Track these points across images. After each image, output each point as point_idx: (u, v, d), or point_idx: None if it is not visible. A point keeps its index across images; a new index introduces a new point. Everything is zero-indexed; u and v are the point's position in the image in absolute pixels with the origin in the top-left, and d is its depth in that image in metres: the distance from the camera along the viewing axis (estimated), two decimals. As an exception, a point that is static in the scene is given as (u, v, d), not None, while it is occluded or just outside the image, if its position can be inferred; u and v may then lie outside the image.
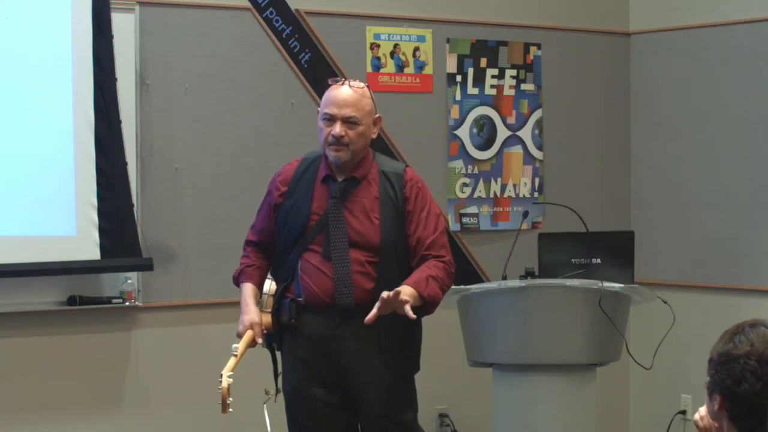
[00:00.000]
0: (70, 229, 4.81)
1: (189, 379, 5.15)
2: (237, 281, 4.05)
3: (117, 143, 4.88)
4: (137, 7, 5.01)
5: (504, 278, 4.70)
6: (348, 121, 3.85)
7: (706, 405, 2.36)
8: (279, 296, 3.94)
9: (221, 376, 3.75)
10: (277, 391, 4.07)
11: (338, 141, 3.83)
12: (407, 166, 4.06)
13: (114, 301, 4.96)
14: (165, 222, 5.08)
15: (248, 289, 3.98)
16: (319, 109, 3.95)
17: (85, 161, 4.82)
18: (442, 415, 5.74)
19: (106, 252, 4.83)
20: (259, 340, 3.90)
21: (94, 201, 4.83)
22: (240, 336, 3.90)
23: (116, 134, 4.88)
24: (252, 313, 3.91)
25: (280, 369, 4.03)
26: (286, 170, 4.02)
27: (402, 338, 3.95)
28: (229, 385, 3.72)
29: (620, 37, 6.22)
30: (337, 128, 3.84)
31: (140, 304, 5.02)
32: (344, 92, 3.87)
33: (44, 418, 4.89)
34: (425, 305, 3.83)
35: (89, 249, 4.82)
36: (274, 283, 4.01)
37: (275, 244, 4.01)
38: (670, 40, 6.05)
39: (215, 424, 5.22)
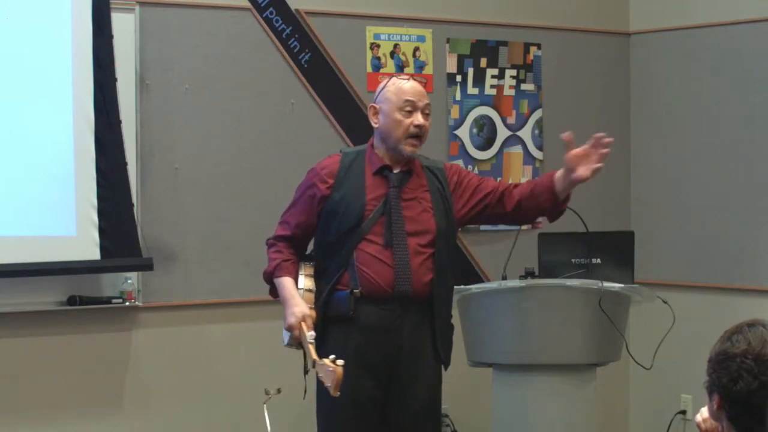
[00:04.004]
0: (70, 229, 4.81)
1: (189, 379, 5.15)
2: (271, 276, 4.02)
3: (117, 143, 4.88)
4: (137, 7, 5.01)
5: (504, 278, 4.70)
6: (424, 113, 3.97)
7: (707, 405, 2.36)
8: (330, 289, 3.93)
9: (321, 361, 3.65)
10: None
11: (420, 131, 3.95)
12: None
13: (114, 301, 4.96)
14: (165, 222, 5.08)
15: (290, 282, 3.97)
16: (376, 104, 4.00)
17: (85, 161, 4.82)
18: (443, 415, 5.74)
19: (106, 252, 4.83)
20: (312, 333, 3.85)
21: (94, 201, 4.83)
22: (292, 329, 3.88)
23: (116, 134, 4.88)
24: (302, 305, 3.90)
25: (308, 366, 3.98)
26: (329, 163, 4.04)
27: (448, 332, 4.04)
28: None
29: (620, 37, 6.23)
30: (421, 118, 3.96)
31: (140, 304, 5.03)
32: (416, 85, 4.01)
33: (44, 418, 4.89)
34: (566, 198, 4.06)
35: (89, 249, 4.82)
36: (309, 279, 4.00)
37: (308, 238, 4.04)
38: (670, 40, 6.05)
39: (215, 423, 5.22)
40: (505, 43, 5.89)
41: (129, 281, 4.98)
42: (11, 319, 4.79)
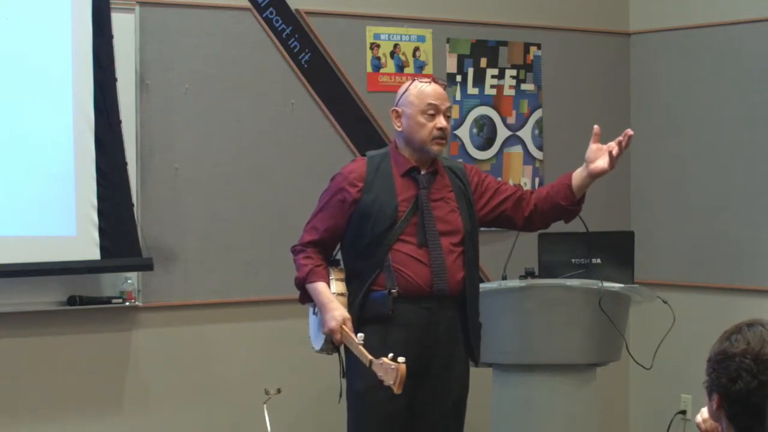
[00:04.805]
0: (70, 229, 4.81)
1: (189, 379, 5.15)
2: (303, 282, 4.04)
3: (117, 143, 4.88)
4: (137, 7, 5.01)
5: (504, 278, 4.70)
6: (446, 115, 4.04)
7: (707, 406, 2.36)
8: (366, 290, 3.96)
9: (380, 361, 3.66)
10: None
11: (443, 134, 4.00)
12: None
13: (114, 301, 4.95)
14: (165, 222, 5.08)
15: (325, 287, 4.00)
16: (398, 107, 4.04)
17: (85, 161, 4.82)
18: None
19: (106, 252, 4.83)
20: (361, 334, 3.84)
21: (94, 201, 4.83)
22: (334, 333, 3.91)
23: (116, 134, 4.87)
24: (341, 309, 3.94)
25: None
26: (356, 167, 4.08)
27: (479, 329, 4.11)
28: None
29: (620, 37, 6.22)
30: (443, 121, 4.02)
31: (140, 304, 5.02)
32: (438, 88, 4.06)
33: (44, 418, 4.89)
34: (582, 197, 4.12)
35: (89, 249, 4.81)
36: (340, 283, 4.03)
37: (336, 242, 4.08)
38: (670, 40, 6.05)
39: (215, 423, 5.22)
40: (505, 43, 5.89)
41: (129, 281, 4.97)
42: (11, 319, 4.79)
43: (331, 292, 4.00)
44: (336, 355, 4.05)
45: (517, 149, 5.93)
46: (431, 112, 4.00)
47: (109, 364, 5.03)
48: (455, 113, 5.76)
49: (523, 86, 5.95)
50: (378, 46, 5.57)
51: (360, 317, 3.96)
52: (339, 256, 4.15)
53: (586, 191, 4.15)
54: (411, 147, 4.04)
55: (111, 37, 4.86)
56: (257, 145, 5.28)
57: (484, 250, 5.79)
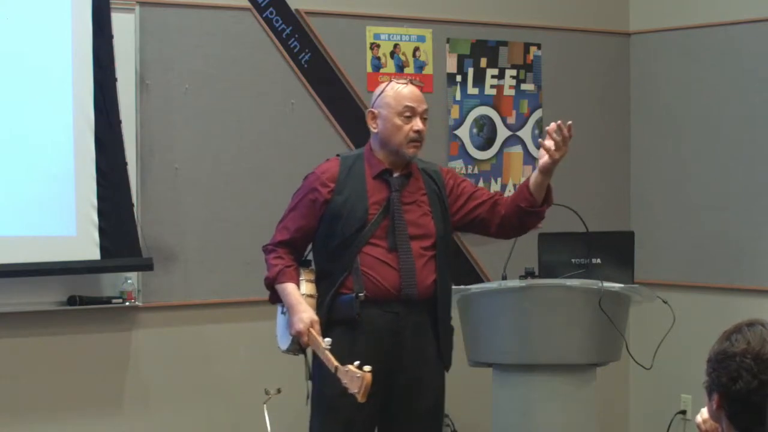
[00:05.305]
0: (70, 229, 4.81)
1: (189, 379, 5.15)
2: (273, 282, 4.02)
3: (117, 143, 4.88)
4: (137, 7, 5.01)
5: (504, 278, 4.70)
6: (423, 117, 3.98)
7: (707, 406, 2.36)
8: (334, 293, 3.93)
9: (346, 368, 3.64)
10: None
11: (420, 136, 3.95)
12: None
13: (114, 301, 4.96)
14: (165, 222, 5.08)
15: (294, 288, 3.97)
16: (374, 109, 4.00)
17: (85, 161, 4.82)
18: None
19: (106, 252, 4.83)
20: (329, 339, 3.83)
21: (94, 201, 4.83)
22: (301, 335, 3.88)
23: (116, 134, 4.88)
24: (309, 311, 3.91)
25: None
26: (328, 167, 4.04)
27: (450, 334, 4.06)
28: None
29: (620, 37, 6.22)
30: (420, 123, 3.96)
31: (140, 304, 5.02)
32: (415, 90, 4.01)
33: (44, 418, 4.89)
34: (549, 193, 4.03)
35: (89, 249, 4.81)
36: (310, 284, 4.00)
37: (307, 243, 4.04)
38: (670, 40, 6.05)
39: (215, 423, 5.22)
40: (505, 43, 5.89)
41: (129, 281, 4.98)
42: (11, 319, 4.79)
43: (301, 293, 3.96)
44: (313, 356, 3.99)
45: (517, 149, 5.93)
46: (408, 114, 3.94)
47: (109, 364, 5.03)
48: (455, 113, 5.76)
49: (523, 86, 5.95)
50: (378, 46, 5.57)
51: (328, 319, 3.92)
52: (311, 257, 4.11)
53: (552, 195, 4.07)
54: (386, 149, 3.99)
55: (111, 37, 4.86)
56: (257, 145, 5.28)
57: (484, 250, 5.83)
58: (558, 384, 4.57)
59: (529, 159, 5.96)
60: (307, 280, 4.01)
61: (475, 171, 5.80)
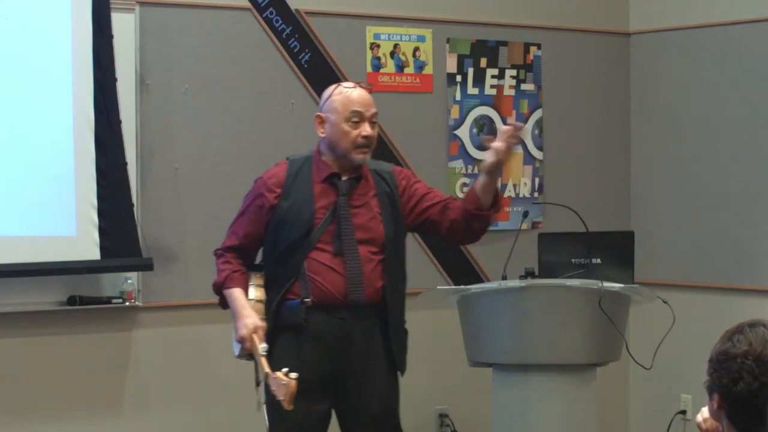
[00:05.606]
0: (70, 229, 4.81)
1: (189, 379, 5.15)
2: (221, 288, 4.00)
3: (117, 143, 4.88)
4: (137, 7, 5.01)
5: (504, 278, 4.70)
6: (371, 121, 3.91)
7: (707, 405, 2.36)
8: (281, 299, 3.90)
9: (274, 375, 3.66)
10: (260, 402, 3.99)
11: (368, 141, 3.89)
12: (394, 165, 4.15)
13: (114, 301, 4.96)
14: (165, 222, 5.08)
15: (240, 293, 3.95)
16: (322, 113, 3.94)
17: (85, 161, 4.82)
18: (442, 415, 5.74)
19: (106, 252, 4.83)
20: (265, 345, 3.83)
21: (94, 201, 4.83)
22: (244, 341, 3.87)
23: (116, 134, 4.88)
24: (253, 317, 3.88)
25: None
26: (276, 172, 3.98)
27: (403, 337, 4.01)
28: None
29: (620, 37, 6.22)
30: (369, 128, 3.89)
31: (140, 304, 5.03)
32: (363, 93, 3.93)
33: (44, 418, 4.89)
34: (496, 198, 3.93)
35: (89, 249, 4.82)
36: (259, 289, 3.96)
37: (257, 248, 4.01)
38: (670, 40, 6.05)
39: (215, 424, 5.22)
40: (505, 43, 5.89)
41: (129, 281, 4.98)
42: (11, 319, 4.79)
43: (250, 298, 3.93)
44: (257, 362, 3.93)
45: (517, 149, 5.92)
46: (356, 119, 3.86)
47: (109, 364, 5.03)
48: (455, 113, 5.76)
49: (523, 86, 5.95)
50: (378, 46, 5.57)
51: (275, 325, 3.89)
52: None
53: (501, 201, 4.02)
54: (334, 154, 3.92)
55: (111, 37, 4.86)
56: (257, 145, 5.28)
57: (484, 250, 5.83)
58: (558, 384, 4.57)
59: (529, 159, 5.95)
60: (257, 285, 3.98)
61: (475, 171, 5.80)
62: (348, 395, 3.91)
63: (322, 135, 3.94)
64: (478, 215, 3.93)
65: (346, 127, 3.87)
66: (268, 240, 3.96)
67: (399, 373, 4.02)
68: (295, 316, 3.87)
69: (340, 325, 3.87)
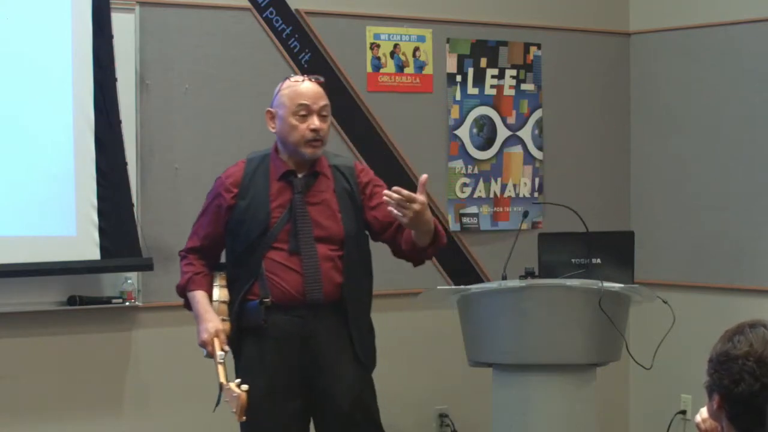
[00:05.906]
0: (70, 229, 4.81)
1: (189, 379, 5.14)
2: (184, 290, 3.98)
3: (117, 143, 4.88)
4: (137, 7, 5.01)
5: (504, 278, 4.69)
6: (321, 114, 3.84)
7: (707, 405, 2.36)
8: (241, 299, 3.86)
9: (227, 386, 3.66)
10: (218, 403, 3.95)
11: (318, 135, 3.81)
12: (355, 159, 4.08)
13: (114, 301, 4.96)
14: (165, 222, 5.08)
15: (202, 296, 3.91)
16: (272, 108, 3.89)
17: (85, 161, 4.82)
18: (442, 415, 5.74)
19: (106, 252, 4.84)
20: (227, 348, 3.81)
21: (94, 201, 4.83)
22: (205, 345, 3.85)
23: (116, 134, 4.88)
24: (215, 320, 3.84)
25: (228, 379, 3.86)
26: (232, 172, 3.94)
27: (368, 334, 3.97)
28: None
29: (620, 37, 6.22)
30: (317, 122, 3.82)
31: (140, 304, 5.03)
32: (312, 86, 3.86)
33: (44, 418, 4.89)
34: (435, 236, 3.81)
35: (89, 249, 4.82)
36: (223, 290, 3.93)
37: (219, 248, 3.97)
38: (670, 40, 6.05)
39: (215, 424, 5.22)
40: (505, 43, 5.89)
41: (129, 281, 4.98)
42: (11, 319, 4.79)
43: (214, 299, 3.90)
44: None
45: (517, 149, 5.93)
46: (303, 113, 3.80)
47: (109, 364, 5.03)
48: (455, 113, 5.76)
49: (523, 86, 5.95)
50: (378, 46, 5.57)
51: (238, 327, 3.86)
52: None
53: (441, 237, 3.88)
54: (287, 150, 3.85)
55: (111, 37, 4.86)
56: (257, 145, 5.24)
57: (484, 250, 5.84)
58: (558, 384, 4.57)
59: (529, 159, 5.96)
60: (221, 286, 3.94)
61: (475, 171, 5.80)
62: (319, 393, 3.87)
63: (273, 130, 3.89)
64: (422, 250, 3.88)
65: (294, 121, 3.82)
66: (229, 240, 3.92)
67: (367, 369, 3.96)
68: (255, 317, 3.84)
69: (300, 324, 3.82)
